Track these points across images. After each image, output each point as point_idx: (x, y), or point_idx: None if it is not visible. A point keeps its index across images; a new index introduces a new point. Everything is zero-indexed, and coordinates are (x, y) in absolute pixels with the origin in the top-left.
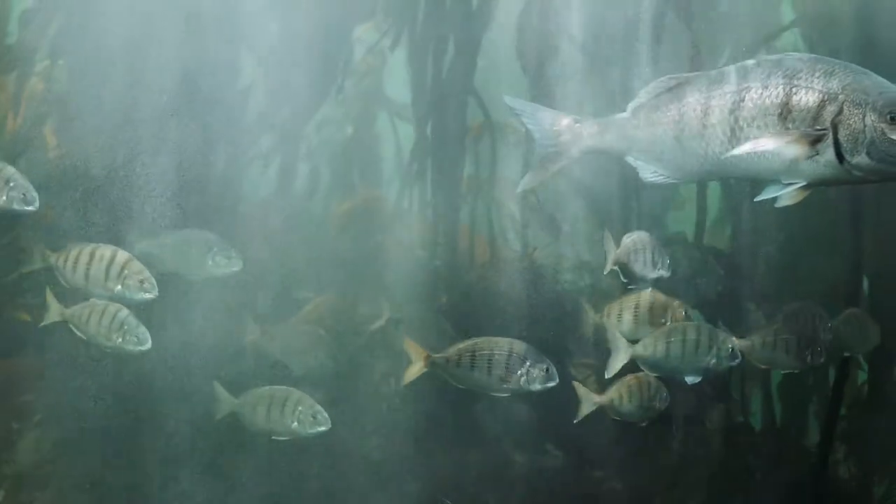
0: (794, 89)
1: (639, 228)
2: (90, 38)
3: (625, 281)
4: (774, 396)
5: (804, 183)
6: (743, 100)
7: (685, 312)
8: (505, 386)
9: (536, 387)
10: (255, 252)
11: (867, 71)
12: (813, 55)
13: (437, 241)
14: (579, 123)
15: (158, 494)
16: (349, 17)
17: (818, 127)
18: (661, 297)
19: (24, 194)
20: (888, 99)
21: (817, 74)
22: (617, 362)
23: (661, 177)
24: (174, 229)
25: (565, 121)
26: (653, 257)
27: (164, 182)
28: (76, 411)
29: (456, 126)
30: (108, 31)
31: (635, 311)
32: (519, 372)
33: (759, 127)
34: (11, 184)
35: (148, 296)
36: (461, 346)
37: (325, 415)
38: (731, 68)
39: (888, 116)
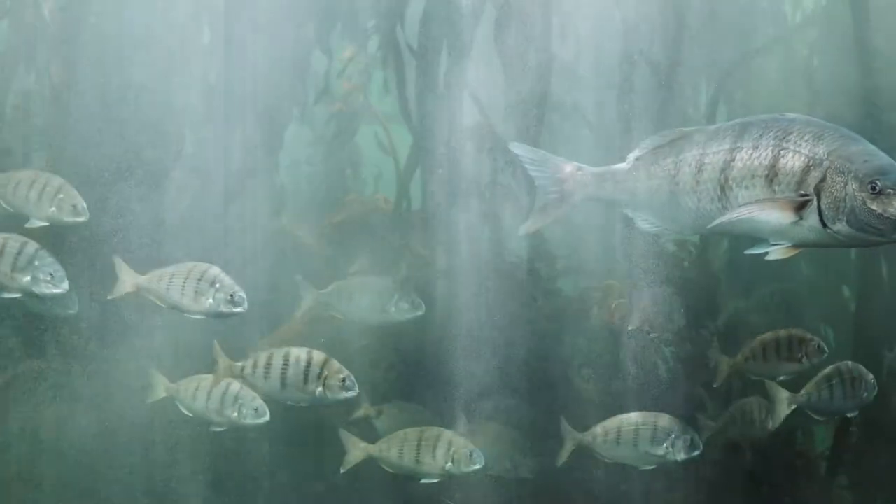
0: (782, 152)
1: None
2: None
3: None
4: None
5: (790, 244)
6: (734, 159)
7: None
8: None
9: None
10: None
11: (857, 137)
12: (807, 117)
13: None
14: (581, 171)
15: None
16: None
17: (802, 192)
18: (796, 332)
19: (73, 205)
20: (871, 168)
21: (806, 138)
22: (780, 416)
23: (657, 228)
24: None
25: (568, 168)
26: None
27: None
28: None
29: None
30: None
31: (776, 349)
32: None
33: (746, 187)
34: (61, 195)
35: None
36: None
37: None
38: (728, 125)
39: (869, 186)
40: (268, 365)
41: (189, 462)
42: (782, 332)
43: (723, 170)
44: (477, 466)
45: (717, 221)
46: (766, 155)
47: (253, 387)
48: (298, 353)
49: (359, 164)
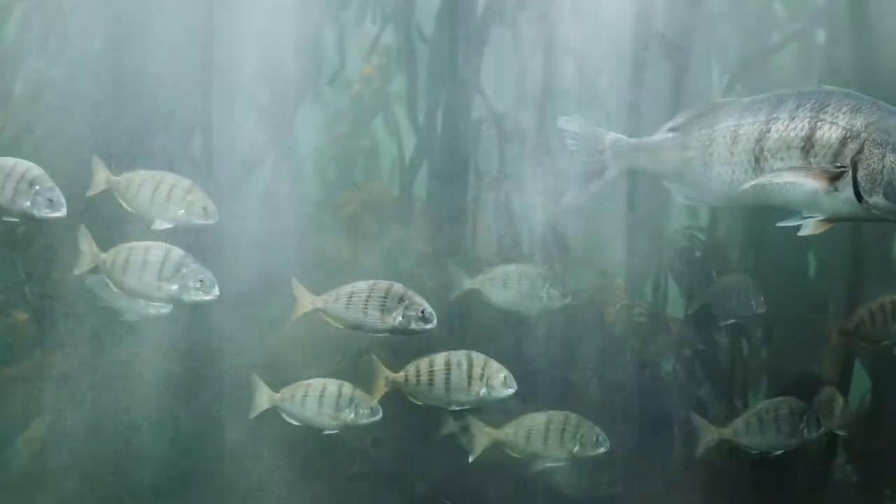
0: (819, 123)
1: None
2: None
3: None
4: None
5: (823, 217)
6: (769, 130)
7: None
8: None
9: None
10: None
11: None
12: (846, 90)
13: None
14: (619, 142)
15: None
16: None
17: (838, 164)
18: None
19: (204, 207)
20: None
21: (843, 110)
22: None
23: (693, 200)
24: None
25: (608, 139)
26: None
27: None
28: None
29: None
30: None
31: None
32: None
33: (782, 159)
34: (190, 197)
35: None
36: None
37: None
38: (764, 97)
39: None
40: (430, 371)
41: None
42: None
43: (758, 141)
44: (603, 449)
45: (750, 183)
46: (803, 126)
47: (417, 393)
48: (459, 357)
49: (375, 151)
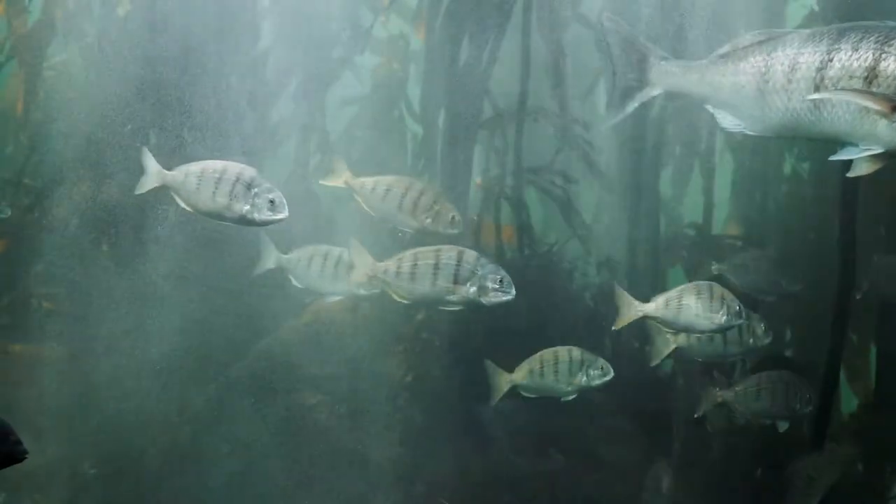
0: (884, 55)
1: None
2: None
3: None
4: None
5: (881, 150)
6: (832, 59)
7: None
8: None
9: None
10: None
11: None
12: None
13: None
14: (666, 60)
15: None
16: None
17: None
18: None
19: (451, 217)
20: None
21: None
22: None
23: (739, 126)
24: None
25: (653, 56)
26: None
27: None
28: None
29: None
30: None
31: None
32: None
33: (843, 88)
34: (437, 206)
35: None
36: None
37: None
38: (825, 29)
39: None
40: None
41: None
42: None
43: (819, 69)
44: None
45: (812, 96)
46: (867, 57)
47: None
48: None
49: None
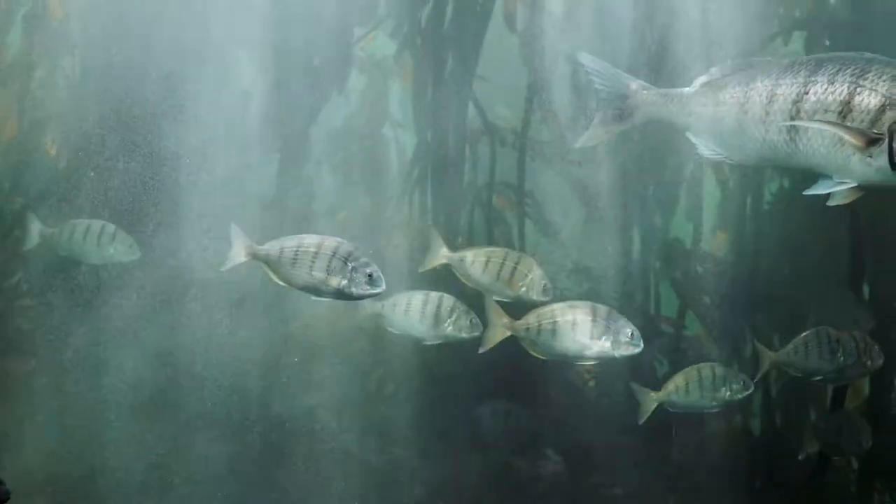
0: (858, 89)
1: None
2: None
3: None
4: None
5: (855, 183)
6: (808, 92)
7: None
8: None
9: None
10: None
11: None
12: (887, 58)
13: None
14: (647, 90)
15: None
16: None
17: (875, 131)
18: None
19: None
20: None
21: (884, 78)
22: None
23: (719, 155)
24: None
25: (634, 85)
26: None
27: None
28: None
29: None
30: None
31: None
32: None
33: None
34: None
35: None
36: None
37: None
38: (804, 59)
39: None
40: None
41: None
42: None
43: (795, 102)
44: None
45: (786, 123)
46: (842, 91)
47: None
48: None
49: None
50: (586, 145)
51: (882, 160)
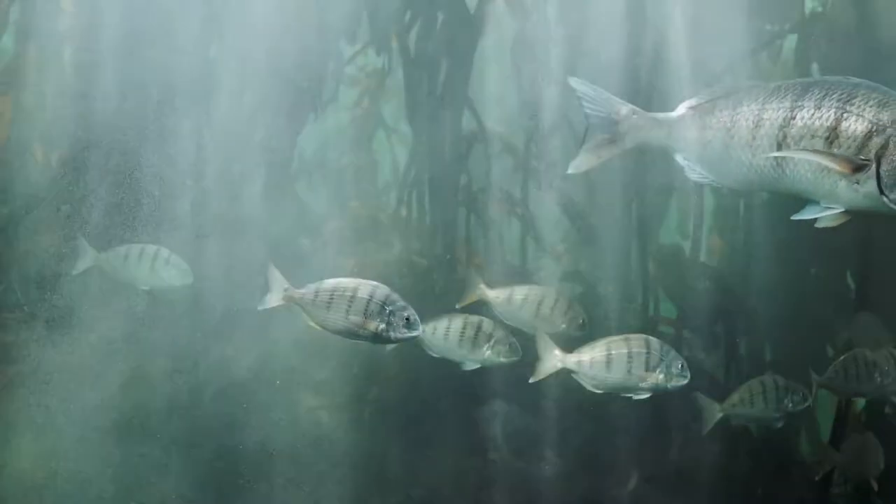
0: (845, 115)
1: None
2: None
3: None
4: None
5: (842, 209)
6: (794, 117)
7: None
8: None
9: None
10: None
11: None
12: (873, 83)
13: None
14: (637, 115)
15: None
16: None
17: (862, 157)
18: None
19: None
20: None
21: (871, 103)
22: None
23: (707, 178)
24: None
25: (624, 110)
26: None
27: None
28: None
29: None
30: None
31: None
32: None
33: (804, 148)
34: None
35: None
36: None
37: None
38: (790, 83)
39: None
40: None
41: None
42: None
43: (781, 127)
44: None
45: (773, 154)
46: (829, 116)
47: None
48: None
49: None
50: (577, 171)
51: (869, 186)
